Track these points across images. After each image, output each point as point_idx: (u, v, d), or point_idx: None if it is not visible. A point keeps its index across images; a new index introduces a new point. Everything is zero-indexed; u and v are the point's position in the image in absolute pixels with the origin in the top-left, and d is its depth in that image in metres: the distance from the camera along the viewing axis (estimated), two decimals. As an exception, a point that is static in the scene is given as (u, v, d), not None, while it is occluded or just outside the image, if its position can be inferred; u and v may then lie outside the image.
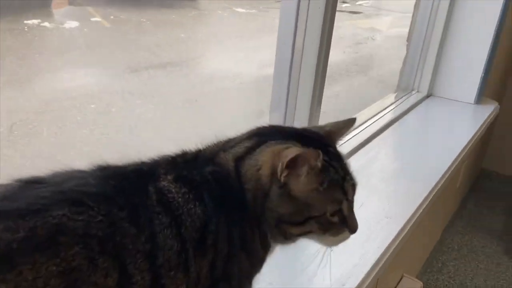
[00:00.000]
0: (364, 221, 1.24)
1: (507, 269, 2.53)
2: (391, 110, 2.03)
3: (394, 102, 2.11)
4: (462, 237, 2.75)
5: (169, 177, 0.62)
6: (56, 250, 0.48)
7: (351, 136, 1.66)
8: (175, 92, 1.33)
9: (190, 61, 1.45)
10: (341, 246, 1.17)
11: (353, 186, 0.71)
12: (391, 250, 1.15)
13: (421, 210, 1.34)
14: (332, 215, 0.68)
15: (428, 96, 2.15)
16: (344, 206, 0.69)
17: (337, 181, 0.68)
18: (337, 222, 0.70)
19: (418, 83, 2.15)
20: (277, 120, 1.31)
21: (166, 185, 0.60)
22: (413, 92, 2.16)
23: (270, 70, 1.47)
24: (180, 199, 0.59)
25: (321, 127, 0.78)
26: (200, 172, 0.64)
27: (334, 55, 1.39)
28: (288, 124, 1.28)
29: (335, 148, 0.74)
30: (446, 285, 2.37)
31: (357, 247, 1.13)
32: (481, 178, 3.34)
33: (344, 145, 1.58)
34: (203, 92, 1.42)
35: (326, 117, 1.42)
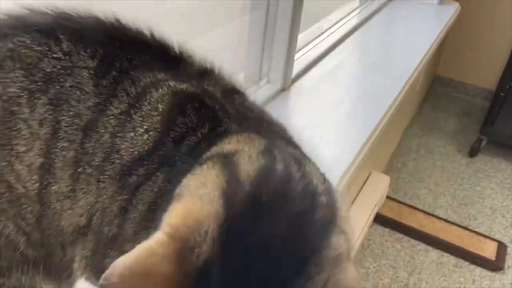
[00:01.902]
0: (347, 114, 1.29)
1: (460, 165, 2.73)
2: (356, 14, 2.04)
3: (359, 6, 2.11)
4: (419, 139, 2.91)
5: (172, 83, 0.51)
6: None
7: (318, 42, 1.67)
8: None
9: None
10: (328, 131, 1.21)
11: None
12: (368, 145, 1.21)
13: (392, 109, 1.39)
14: None
15: (393, -2, 2.16)
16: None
17: None
18: None
19: (383, -15, 2.15)
20: (258, 25, 1.29)
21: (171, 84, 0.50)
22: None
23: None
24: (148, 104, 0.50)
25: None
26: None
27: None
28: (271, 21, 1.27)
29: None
30: (407, 182, 2.54)
31: (343, 134, 1.19)
32: (436, 83, 3.48)
33: (310, 51, 1.61)
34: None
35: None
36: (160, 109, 0.48)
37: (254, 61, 1.34)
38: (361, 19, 1.98)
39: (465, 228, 2.26)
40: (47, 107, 0.46)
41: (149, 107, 0.48)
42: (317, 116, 1.25)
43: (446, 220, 2.29)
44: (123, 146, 0.48)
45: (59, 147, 0.47)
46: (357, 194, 1.90)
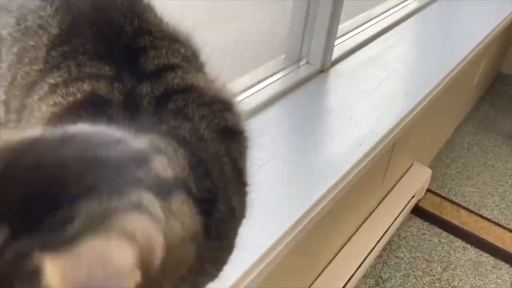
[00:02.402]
0: (383, 97, 1.30)
1: (513, 166, 2.63)
2: (413, 1, 2.01)
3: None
4: (473, 136, 2.82)
5: None
6: None
7: (365, 27, 1.68)
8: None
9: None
10: (360, 112, 1.24)
11: None
12: (397, 131, 1.22)
13: (435, 92, 1.39)
14: None
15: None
16: None
17: None
18: None
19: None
20: (300, 8, 1.33)
21: None
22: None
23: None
24: None
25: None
26: None
27: None
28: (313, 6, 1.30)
29: None
30: (453, 179, 2.48)
31: (374, 116, 1.21)
32: (498, 81, 3.34)
33: (356, 36, 1.61)
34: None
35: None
36: (70, 100, 0.44)
37: (295, 42, 1.38)
38: (418, 6, 1.96)
39: (510, 230, 2.18)
40: (13, 57, 0.48)
41: (64, 93, 0.44)
42: (352, 99, 1.27)
43: (490, 220, 2.23)
44: (20, 123, 0.46)
45: (12, 93, 0.48)
46: (396, 183, 1.90)
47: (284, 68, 1.37)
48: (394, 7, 1.88)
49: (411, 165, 1.99)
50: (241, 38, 1.37)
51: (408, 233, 2.16)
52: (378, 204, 1.80)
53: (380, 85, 1.34)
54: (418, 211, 2.19)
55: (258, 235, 0.81)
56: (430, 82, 1.38)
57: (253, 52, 1.41)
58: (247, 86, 1.26)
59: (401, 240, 2.12)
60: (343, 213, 1.47)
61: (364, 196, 1.62)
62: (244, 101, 1.19)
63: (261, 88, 1.27)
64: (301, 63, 1.39)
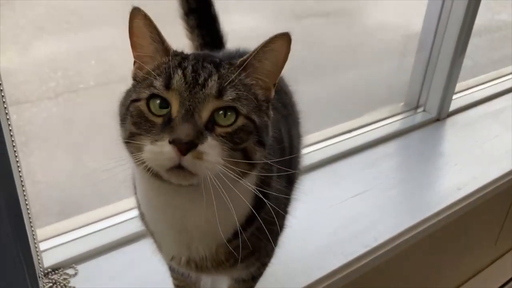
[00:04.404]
0: (494, 149, 1.35)
1: None
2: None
3: None
4: None
5: None
6: None
7: (497, 82, 1.72)
8: (335, 40, 1.48)
9: (353, 11, 1.56)
10: (466, 160, 1.32)
11: (194, 80, 0.52)
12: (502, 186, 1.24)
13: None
14: (152, 111, 0.52)
15: None
16: (174, 103, 0.52)
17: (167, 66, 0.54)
18: (158, 124, 0.52)
19: None
20: (422, 59, 1.46)
21: None
22: None
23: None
24: None
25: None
26: None
27: None
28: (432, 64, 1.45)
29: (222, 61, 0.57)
30: None
31: (480, 165, 1.26)
32: None
33: (487, 89, 1.63)
34: (362, 42, 1.54)
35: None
36: None
37: (414, 92, 1.51)
38: None
39: None
40: None
41: None
42: (461, 147, 1.34)
43: None
44: None
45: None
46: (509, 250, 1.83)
47: (402, 113, 1.49)
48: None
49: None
50: (366, 85, 1.52)
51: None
52: (491, 263, 1.75)
53: (495, 139, 1.38)
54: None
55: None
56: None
57: (376, 97, 1.55)
58: (366, 123, 1.42)
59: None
60: (448, 258, 1.49)
61: (475, 249, 1.60)
62: (364, 135, 1.36)
63: (380, 127, 1.42)
64: (418, 111, 1.49)
